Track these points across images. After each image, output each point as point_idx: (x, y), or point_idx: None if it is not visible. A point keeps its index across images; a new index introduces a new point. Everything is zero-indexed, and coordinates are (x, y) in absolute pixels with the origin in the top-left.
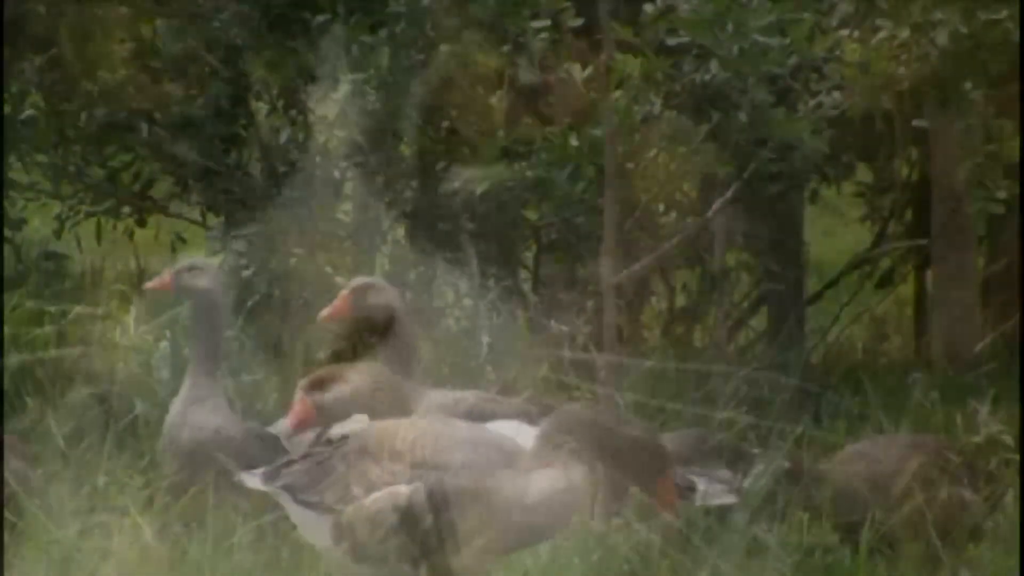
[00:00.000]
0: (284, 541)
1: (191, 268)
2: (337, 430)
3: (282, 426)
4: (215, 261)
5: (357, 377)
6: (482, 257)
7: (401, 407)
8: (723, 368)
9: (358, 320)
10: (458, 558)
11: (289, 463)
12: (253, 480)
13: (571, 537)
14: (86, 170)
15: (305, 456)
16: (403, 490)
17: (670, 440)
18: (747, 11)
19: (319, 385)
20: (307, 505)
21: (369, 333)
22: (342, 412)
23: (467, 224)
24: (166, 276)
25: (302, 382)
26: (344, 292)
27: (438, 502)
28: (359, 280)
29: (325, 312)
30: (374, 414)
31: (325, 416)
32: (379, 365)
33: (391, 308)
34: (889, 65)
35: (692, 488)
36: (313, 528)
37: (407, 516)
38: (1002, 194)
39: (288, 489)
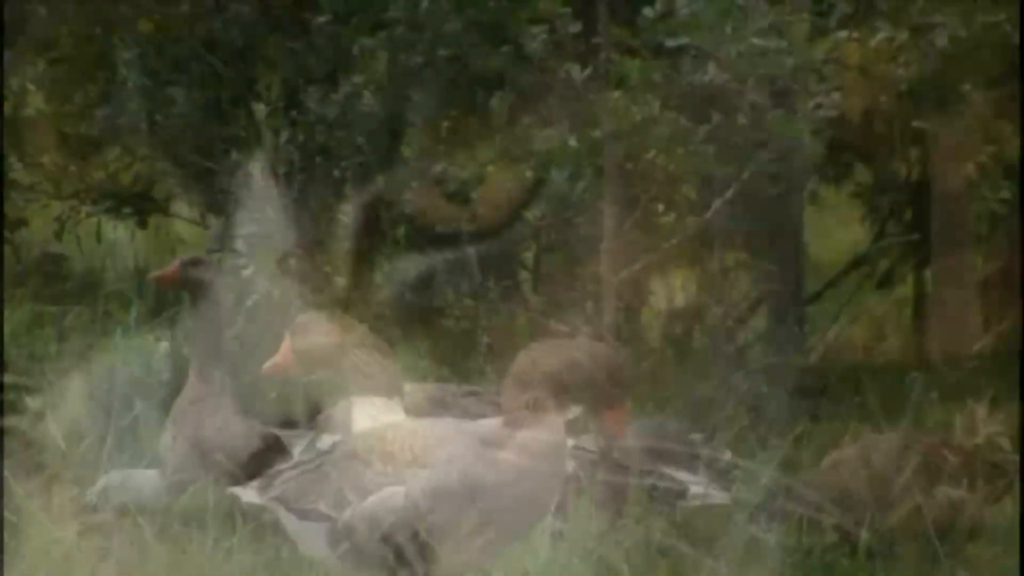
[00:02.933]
0: (284, 541)
1: (196, 262)
2: (327, 439)
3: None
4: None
5: (350, 337)
6: (482, 257)
7: (389, 378)
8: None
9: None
10: (460, 554)
11: (281, 472)
12: (247, 493)
13: (572, 537)
14: (87, 171)
15: (295, 465)
16: (398, 491)
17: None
18: (745, 13)
19: (306, 330)
20: (301, 514)
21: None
22: (321, 362)
23: (467, 224)
24: (171, 267)
25: (292, 326)
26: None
27: (433, 500)
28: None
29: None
30: (354, 374)
31: (304, 363)
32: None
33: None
34: (888, 67)
35: (683, 493)
36: (308, 537)
37: (403, 517)
38: (1004, 194)
39: (281, 500)
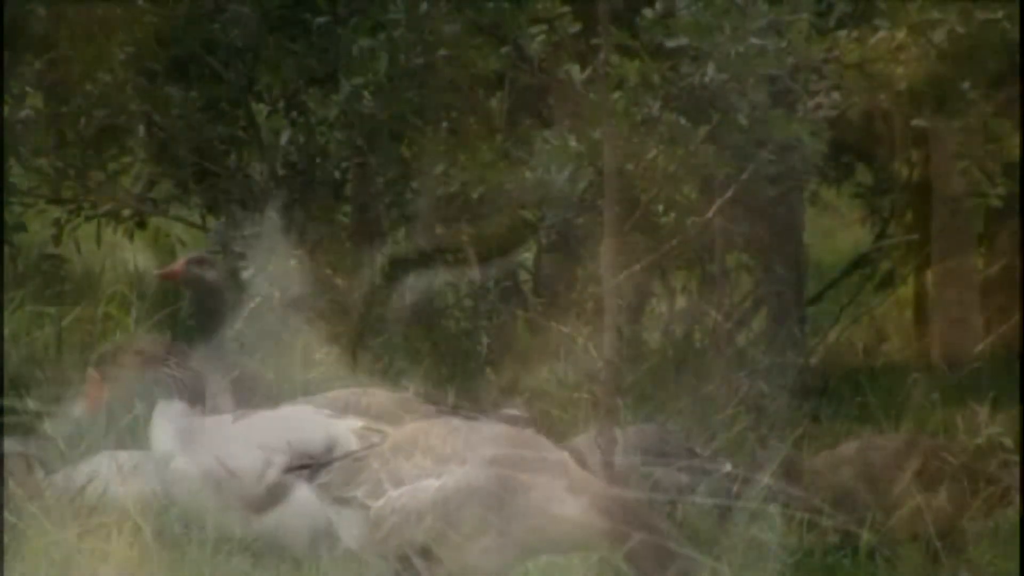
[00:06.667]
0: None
1: (201, 261)
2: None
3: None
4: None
5: (148, 347)
6: (482, 258)
7: (194, 382)
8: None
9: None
10: (481, 554)
11: (330, 463)
12: (295, 480)
13: None
14: (86, 173)
15: (345, 455)
16: (432, 484)
17: (631, 435)
18: (744, 13)
19: (111, 359)
20: (342, 502)
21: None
22: (135, 380)
23: (467, 226)
24: (177, 265)
25: (93, 359)
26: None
27: (465, 496)
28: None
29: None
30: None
31: (119, 388)
32: (163, 338)
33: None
34: (887, 65)
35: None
36: (345, 526)
37: (434, 510)
38: (999, 190)
39: (326, 487)
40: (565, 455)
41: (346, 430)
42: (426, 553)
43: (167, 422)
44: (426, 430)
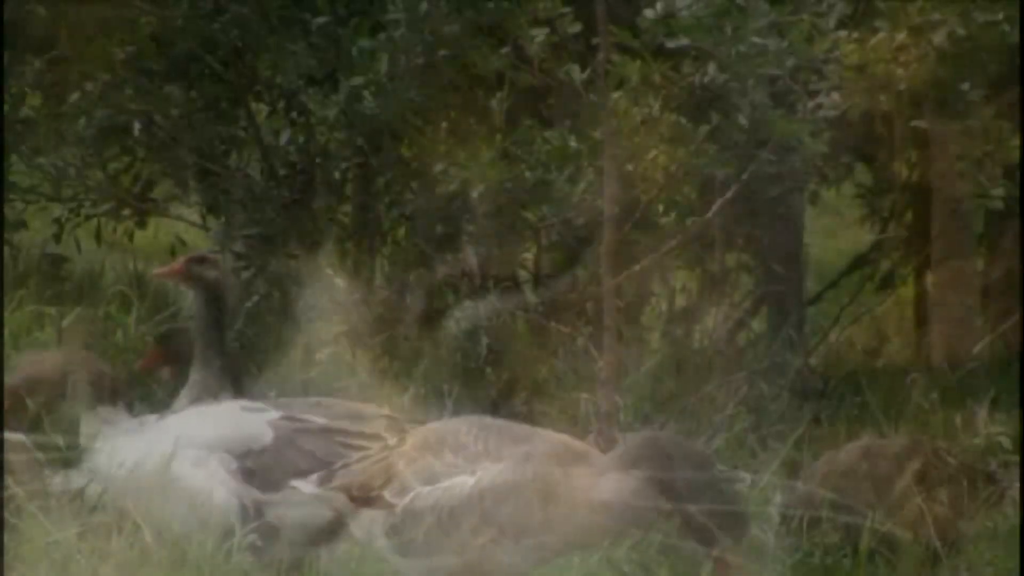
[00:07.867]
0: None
1: (202, 259)
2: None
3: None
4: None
5: (41, 371)
6: (482, 258)
7: (103, 382)
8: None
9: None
10: (512, 553)
11: (344, 465)
12: (307, 486)
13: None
14: (86, 172)
15: (361, 457)
16: (466, 480)
17: (631, 440)
18: (745, 13)
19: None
20: (363, 502)
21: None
22: (40, 393)
23: (467, 225)
24: (177, 264)
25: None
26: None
27: (503, 493)
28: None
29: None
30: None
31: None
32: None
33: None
34: (887, 67)
35: None
36: (364, 525)
37: (470, 507)
38: (999, 191)
39: (343, 488)
40: (592, 449)
41: (261, 422)
42: (457, 551)
43: (99, 433)
44: (455, 429)
